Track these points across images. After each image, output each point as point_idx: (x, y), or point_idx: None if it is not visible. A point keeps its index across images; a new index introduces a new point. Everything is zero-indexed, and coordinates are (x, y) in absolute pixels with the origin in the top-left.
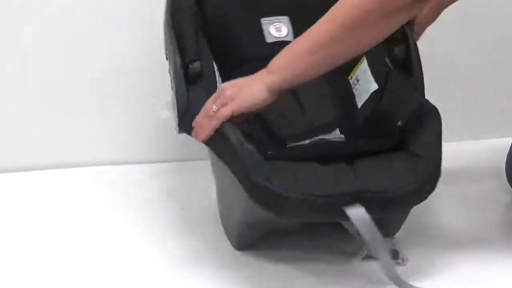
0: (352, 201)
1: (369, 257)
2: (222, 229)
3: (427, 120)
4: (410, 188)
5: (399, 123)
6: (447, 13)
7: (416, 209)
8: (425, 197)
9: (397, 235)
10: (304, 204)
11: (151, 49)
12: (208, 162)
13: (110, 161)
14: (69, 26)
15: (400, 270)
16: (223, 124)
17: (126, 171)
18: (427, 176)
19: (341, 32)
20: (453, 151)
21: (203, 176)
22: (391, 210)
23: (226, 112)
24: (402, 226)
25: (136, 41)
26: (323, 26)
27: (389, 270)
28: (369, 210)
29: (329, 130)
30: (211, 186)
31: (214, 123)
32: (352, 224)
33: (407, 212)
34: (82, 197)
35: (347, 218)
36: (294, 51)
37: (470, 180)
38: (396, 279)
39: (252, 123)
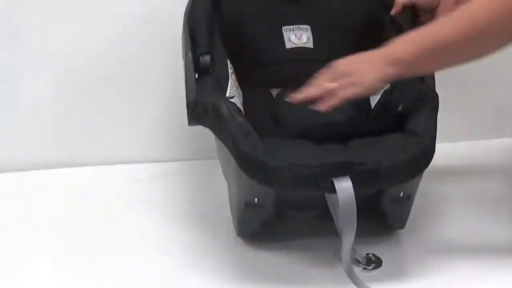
0: (338, 172)
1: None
2: (231, 227)
3: (422, 102)
4: (398, 161)
5: (399, 108)
6: None
7: (424, 206)
8: (415, 174)
9: (404, 232)
10: (290, 173)
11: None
12: (216, 161)
13: (117, 160)
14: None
15: (407, 269)
16: (218, 101)
17: (133, 170)
18: (418, 151)
19: (467, 41)
20: (466, 150)
21: (211, 175)
22: (378, 183)
23: (348, 94)
24: (411, 225)
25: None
26: (450, 30)
27: (346, 259)
28: (356, 182)
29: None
30: (219, 185)
31: (334, 102)
32: (336, 198)
33: (410, 203)
34: (90, 196)
35: (332, 190)
36: (418, 48)
37: (481, 178)
38: (349, 271)
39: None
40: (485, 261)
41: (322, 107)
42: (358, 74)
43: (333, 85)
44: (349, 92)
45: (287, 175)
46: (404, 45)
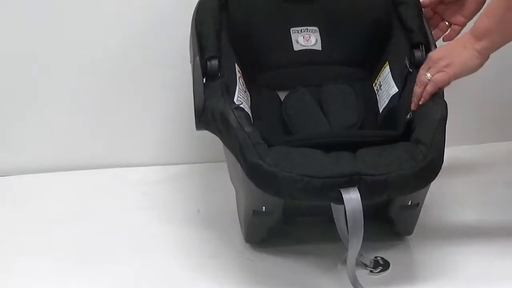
0: (346, 183)
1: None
2: (238, 230)
3: (431, 110)
4: (407, 172)
5: (408, 116)
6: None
7: (432, 210)
8: (423, 184)
9: (412, 235)
10: (298, 184)
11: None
12: (224, 164)
13: (128, 163)
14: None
15: (414, 272)
16: (226, 110)
17: (143, 173)
18: (427, 163)
19: None
20: (475, 153)
21: (221, 178)
22: (386, 193)
23: (442, 77)
24: (419, 229)
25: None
26: None
27: (351, 268)
28: (364, 193)
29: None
30: (228, 187)
31: (430, 89)
32: (343, 207)
33: (418, 211)
34: (101, 198)
35: (340, 200)
36: (496, 15)
37: (489, 182)
38: (354, 280)
39: (272, 124)
40: (493, 265)
41: (415, 105)
42: (450, 58)
43: (428, 75)
44: (447, 76)
45: (295, 186)
46: (483, 18)
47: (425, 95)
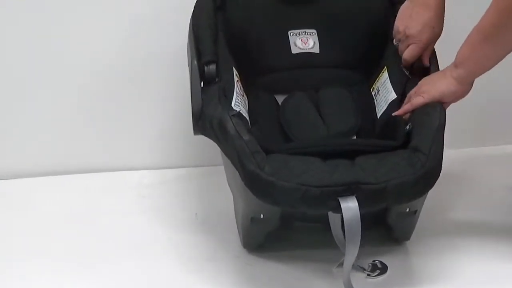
0: (345, 192)
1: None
2: (236, 234)
3: (429, 117)
4: (405, 181)
5: (408, 126)
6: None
7: (431, 213)
8: (421, 193)
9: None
10: (296, 193)
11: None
12: (222, 167)
13: (126, 166)
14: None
15: (412, 276)
16: (224, 117)
17: (141, 176)
18: (425, 171)
19: (503, 19)
20: (471, 156)
21: (219, 181)
22: (384, 202)
23: (418, 101)
24: (417, 232)
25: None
26: (487, 16)
27: (346, 274)
28: (362, 201)
29: (346, 137)
30: (226, 191)
31: (407, 107)
32: (341, 216)
33: (415, 218)
34: (97, 202)
35: (338, 209)
36: (472, 43)
37: (485, 185)
38: (348, 285)
39: (270, 129)
40: (491, 269)
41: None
42: (432, 85)
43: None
44: (419, 100)
45: (294, 195)
46: (463, 46)
47: (405, 109)
